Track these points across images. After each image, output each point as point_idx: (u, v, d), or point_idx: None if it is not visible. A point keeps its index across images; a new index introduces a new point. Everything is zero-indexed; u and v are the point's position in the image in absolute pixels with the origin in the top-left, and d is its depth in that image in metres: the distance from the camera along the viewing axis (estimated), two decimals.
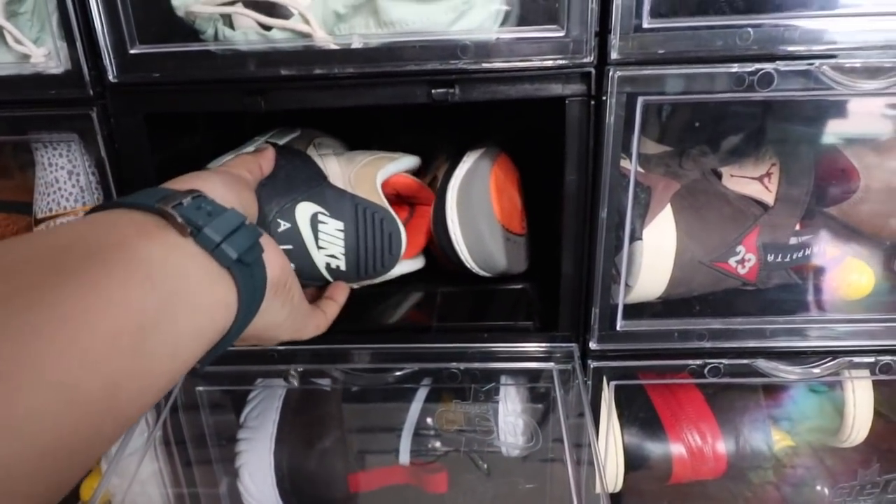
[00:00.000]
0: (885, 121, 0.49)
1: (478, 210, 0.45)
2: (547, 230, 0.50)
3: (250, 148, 0.45)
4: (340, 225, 0.41)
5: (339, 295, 0.44)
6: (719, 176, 0.49)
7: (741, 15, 0.35)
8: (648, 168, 0.48)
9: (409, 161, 0.48)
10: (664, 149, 0.52)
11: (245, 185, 0.36)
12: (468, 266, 0.47)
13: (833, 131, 0.49)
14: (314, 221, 0.41)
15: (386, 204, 0.43)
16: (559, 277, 0.43)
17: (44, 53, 0.38)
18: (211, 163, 0.44)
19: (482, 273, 0.48)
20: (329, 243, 0.41)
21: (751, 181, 0.48)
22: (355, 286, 0.46)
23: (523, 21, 0.38)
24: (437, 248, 0.49)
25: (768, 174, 0.48)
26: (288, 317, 0.35)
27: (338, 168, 0.44)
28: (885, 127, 0.49)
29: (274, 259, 0.32)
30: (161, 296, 0.24)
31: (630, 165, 0.40)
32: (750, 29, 0.35)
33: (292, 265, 0.38)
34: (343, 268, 0.42)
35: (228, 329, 0.28)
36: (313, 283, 0.45)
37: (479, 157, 0.48)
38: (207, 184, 0.32)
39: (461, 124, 0.57)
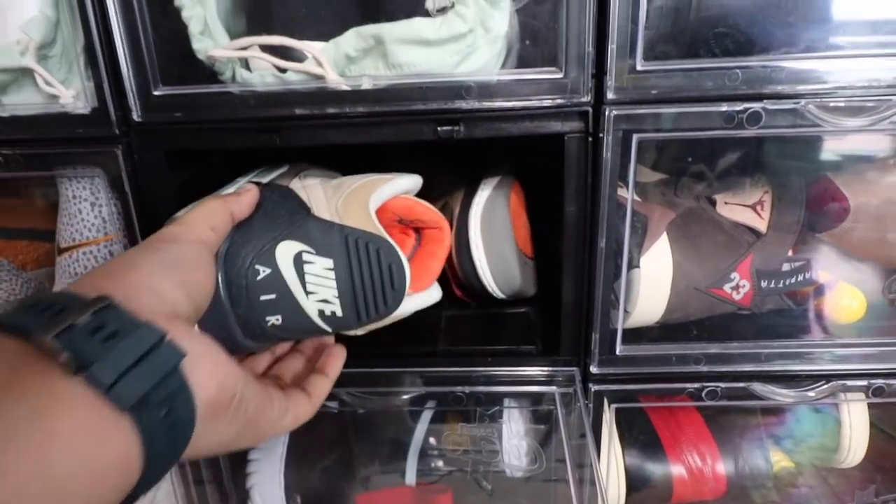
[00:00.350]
0: (873, 147, 0.50)
1: (500, 235, 0.47)
2: (547, 256, 0.52)
3: (230, 189, 0.40)
4: (329, 263, 0.35)
5: (332, 367, 0.39)
6: (713, 203, 0.51)
7: (730, 57, 0.37)
8: (645, 196, 0.50)
9: (408, 181, 0.43)
10: (660, 176, 0.54)
11: (197, 255, 0.31)
12: (489, 289, 0.49)
13: (822, 161, 0.51)
14: (298, 262, 0.35)
15: (381, 231, 0.37)
16: (560, 303, 0.45)
17: (72, 95, 0.40)
18: (191, 205, 0.38)
19: (500, 295, 0.50)
20: (319, 286, 0.36)
21: (744, 209, 0.50)
22: (360, 332, 0.41)
23: (523, 62, 0.41)
24: (451, 272, 0.51)
25: (761, 202, 0.50)
26: (242, 431, 0.29)
27: (323, 198, 0.39)
28: (875, 150, 0.51)
29: (209, 375, 0.26)
30: (27, 473, 0.18)
31: (627, 194, 0.42)
32: (738, 70, 0.37)
33: (278, 318, 0.35)
34: (339, 313, 0.36)
35: (133, 488, 0.22)
36: (307, 335, 0.40)
37: (496, 185, 0.50)
38: (135, 275, 0.27)
39: (465, 154, 0.59)
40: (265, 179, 0.43)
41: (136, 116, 0.40)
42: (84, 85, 0.41)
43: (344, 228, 0.36)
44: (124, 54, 0.39)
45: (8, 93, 0.42)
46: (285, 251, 0.35)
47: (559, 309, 0.45)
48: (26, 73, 0.41)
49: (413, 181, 0.43)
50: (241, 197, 0.36)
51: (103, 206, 0.46)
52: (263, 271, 0.35)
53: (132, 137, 0.40)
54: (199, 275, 0.31)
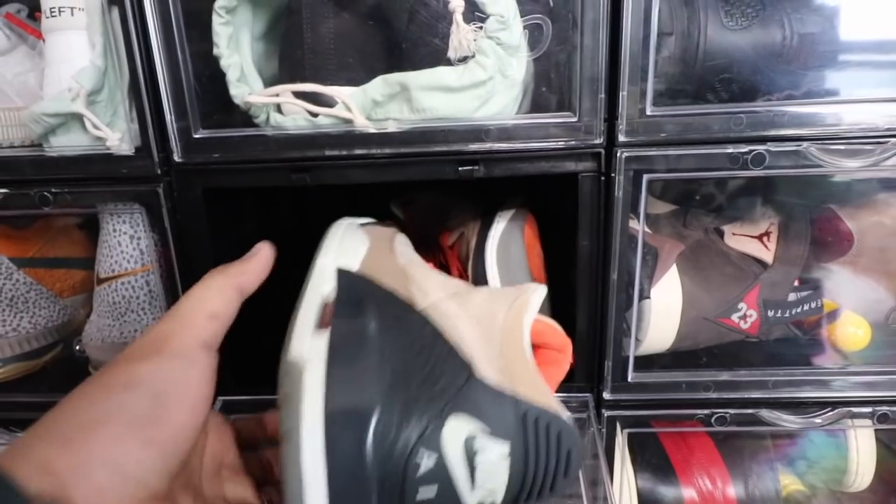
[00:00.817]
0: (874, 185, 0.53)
1: (516, 267, 0.49)
2: (561, 285, 0.54)
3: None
4: (506, 448, 0.26)
5: None
6: (721, 234, 0.53)
7: (735, 103, 0.40)
8: (656, 228, 0.52)
9: (540, 295, 0.35)
10: (670, 207, 0.56)
11: (183, 377, 0.25)
12: None
13: (827, 193, 0.53)
14: (469, 448, 0.26)
15: (555, 402, 0.29)
16: (574, 331, 0.47)
17: (118, 137, 0.43)
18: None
19: None
20: (489, 478, 0.26)
21: (751, 240, 0.52)
22: None
23: (539, 106, 0.43)
24: None
25: (767, 233, 0.52)
26: None
27: (471, 330, 0.30)
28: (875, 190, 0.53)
29: None
30: None
31: (638, 226, 0.45)
32: (742, 115, 0.39)
33: None
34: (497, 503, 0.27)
35: None
36: None
37: (511, 218, 0.52)
38: (90, 441, 0.22)
39: (482, 186, 0.62)
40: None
41: (176, 157, 0.42)
42: (129, 127, 0.44)
43: (519, 403, 0.27)
44: (167, 99, 0.42)
45: (57, 134, 0.45)
46: (455, 432, 0.26)
47: (573, 337, 0.47)
48: (75, 116, 0.44)
49: (544, 290, 0.36)
50: (247, 265, 0.31)
51: (142, 238, 0.48)
52: (428, 459, 0.25)
53: (173, 177, 0.43)
54: (182, 415, 0.25)
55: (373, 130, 0.42)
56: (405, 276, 0.33)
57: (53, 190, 0.44)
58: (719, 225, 0.54)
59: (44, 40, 0.45)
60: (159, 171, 0.43)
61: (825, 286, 0.51)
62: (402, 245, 0.38)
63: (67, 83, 0.43)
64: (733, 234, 0.53)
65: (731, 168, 0.40)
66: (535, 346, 0.35)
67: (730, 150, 0.40)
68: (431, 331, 0.29)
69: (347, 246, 0.34)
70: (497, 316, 0.32)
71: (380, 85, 0.42)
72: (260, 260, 0.31)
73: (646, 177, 0.41)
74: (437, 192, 0.66)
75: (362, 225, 0.39)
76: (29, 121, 0.44)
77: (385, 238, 0.38)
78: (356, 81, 0.44)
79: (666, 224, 0.53)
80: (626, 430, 0.49)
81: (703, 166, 0.40)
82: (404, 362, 0.27)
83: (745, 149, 0.40)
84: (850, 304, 0.52)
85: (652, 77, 0.39)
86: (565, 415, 0.28)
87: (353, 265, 0.32)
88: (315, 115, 0.43)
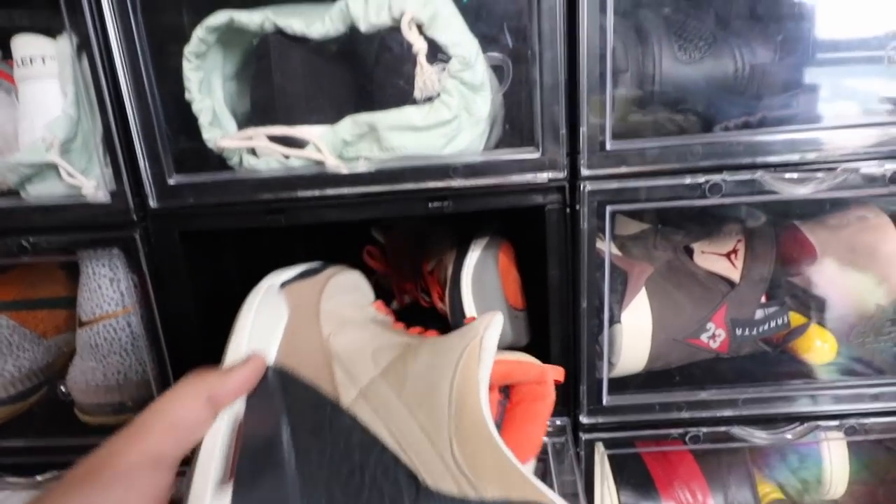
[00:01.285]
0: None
1: (491, 296, 0.50)
2: (538, 307, 0.55)
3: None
4: None
5: None
6: (690, 252, 0.55)
7: (691, 135, 0.41)
8: (625, 250, 0.54)
9: (496, 331, 0.31)
10: (641, 227, 0.58)
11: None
12: None
13: (790, 211, 0.54)
14: None
15: (537, 491, 0.24)
16: (549, 355, 0.48)
17: (93, 185, 0.44)
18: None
19: None
20: None
21: (719, 258, 0.54)
22: None
23: (506, 140, 0.45)
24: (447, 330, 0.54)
25: (735, 250, 0.54)
26: None
27: (412, 423, 0.26)
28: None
29: None
30: None
31: (606, 248, 0.46)
32: (699, 146, 0.41)
33: None
34: None
35: None
36: None
37: (485, 247, 0.53)
38: None
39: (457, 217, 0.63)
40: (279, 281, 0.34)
41: (152, 203, 0.43)
42: (103, 174, 0.45)
43: None
44: (140, 147, 0.43)
45: (33, 182, 0.46)
46: None
47: (548, 361, 0.48)
48: (50, 165, 0.44)
49: (498, 325, 0.32)
50: (228, 376, 0.28)
51: (121, 280, 0.49)
52: None
53: (149, 222, 0.44)
54: None
55: (344, 171, 0.43)
56: (329, 357, 0.30)
57: (31, 239, 0.45)
58: (689, 243, 0.55)
59: (16, 88, 0.46)
60: (135, 217, 0.44)
61: (792, 301, 0.53)
62: (335, 296, 0.35)
63: (41, 133, 0.44)
64: (702, 251, 0.55)
65: (689, 197, 0.42)
66: (511, 387, 0.33)
67: (688, 181, 0.41)
68: (363, 439, 0.25)
69: (263, 324, 0.32)
70: (442, 387, 0.27)
71: (349, 125, 0.43)
72: (244, 373, 0.29)
73: (609, 208, 0.42)
74: (416, 219, 0.67)
75: (284, 284, 0.37)
76: (5, 170, 0.45)
77: (310, 300, 0.35)
78: (325, 121, 0.45)
79: (636, 244, 0.54)
80: (606, 452, 0.50)
81: (664, 196, 0.42)
82: (333, 496, 0.22)
83: (702, 178, 0.41)
84: (816, 317, 0.53)
85: (610, 112, 0.40)
86: (551, 501, 0.23)
87: (270, 351, 0.30)
88: (287, 156, 0.44)
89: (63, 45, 0.44)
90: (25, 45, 0.45)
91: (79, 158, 0.45)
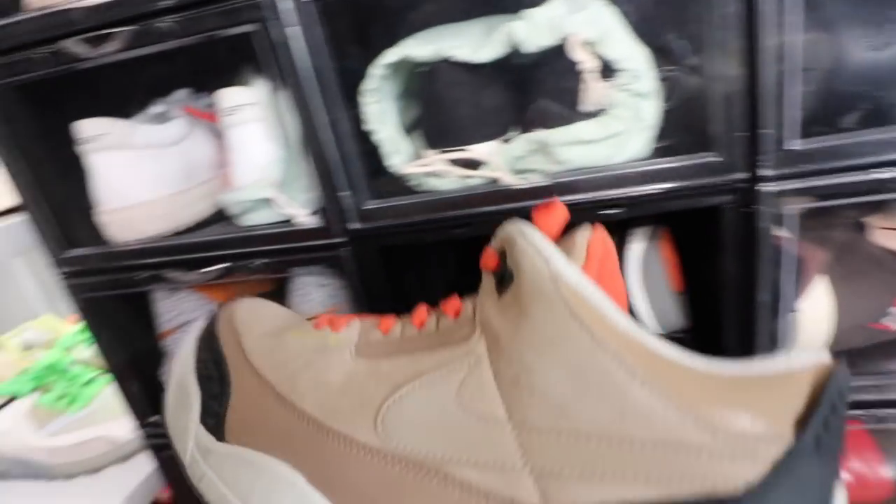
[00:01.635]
0: None
1: (660, 287, 0.53)
2: (697, 287, 0.56)
3: None
4: None
5: None
6: (867, 228, 0.53)
7: (873, 129, 0.40)
8: (797, 231, 0.53)
9: None
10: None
11: None
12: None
13: None
14: None
15: None
16: (720, 343, 0.50)
17: (305, 213, 0.51)
18: None
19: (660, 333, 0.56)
20: None
21: None
22: None
23: (678, 144, 0.45)
24: None
25: None
26: None
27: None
28: None
29: None
30: None
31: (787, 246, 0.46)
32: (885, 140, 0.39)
33: None
34: None
35: None
36: None
37: (647, 236, 0.55)
38: None
39: None
40: None
41: (354, 226, 0.50)
42: (309, 201, 0.52)
43: None
44: (343, 179, 0.49)
45: (249, 213, 0.54)
46: None
47: (718, 339, 0.50)
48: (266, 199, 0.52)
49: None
50: None
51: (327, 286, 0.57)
52: None
53: (352, 242, 0.51)
54: None
55: (518, 186, 0.47)
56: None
57: (256, 261, 0.53)
58: (864, 216, 0.53)
59: (221, 128, 0.54)
60: (341, 240, 0.50)
61: None
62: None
63: (257, 171, 0.51)
64: (881, 228, 0.52)
65: (878, 192, 0.41)
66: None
67: (875, 176, 0.40)
68: None
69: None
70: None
71: (522, 143, 0.46)
72: None
73: (787, 208, 0.42)
74: None
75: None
76: (229, 204, 0.53)
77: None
78: (490, 136, 0.48)
79: (806, 226, 0.53)
80: None
81: (847, 192, 0.41)
82: None
83: (887, 174, 0.40)
84: None
85: (792, 111, 0.40)
86: None
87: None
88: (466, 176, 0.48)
89: (263, 93, 0.51)
90: (230, 96, 0.52)
91: (289, 189, 0.52)
